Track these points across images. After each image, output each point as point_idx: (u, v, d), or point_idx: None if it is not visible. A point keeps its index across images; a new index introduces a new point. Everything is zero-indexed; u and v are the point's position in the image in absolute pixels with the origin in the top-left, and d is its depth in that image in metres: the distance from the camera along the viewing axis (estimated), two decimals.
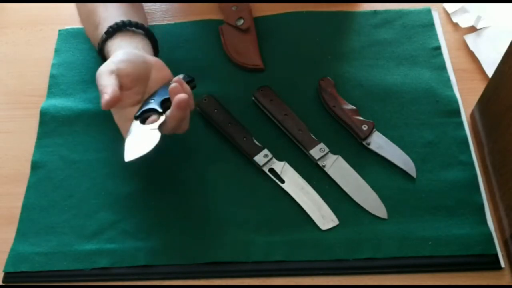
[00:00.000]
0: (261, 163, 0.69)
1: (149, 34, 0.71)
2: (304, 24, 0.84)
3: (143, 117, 0.63)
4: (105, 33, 0.68)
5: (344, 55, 0.80)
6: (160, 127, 0.62)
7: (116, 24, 0.68)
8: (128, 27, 0.69)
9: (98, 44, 0.70)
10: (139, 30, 0.70)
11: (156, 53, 0.73)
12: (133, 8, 0.75)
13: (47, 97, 0.78)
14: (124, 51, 0.65)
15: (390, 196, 0.67)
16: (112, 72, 0.62)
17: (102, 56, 0.71)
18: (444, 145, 0.71)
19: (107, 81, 0.61)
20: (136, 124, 0.63)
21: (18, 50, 0.85)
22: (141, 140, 0.61)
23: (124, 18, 0.70)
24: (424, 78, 0.77)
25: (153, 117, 0.63)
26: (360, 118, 0.72)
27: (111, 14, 0.71)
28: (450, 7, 0.84)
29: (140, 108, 0.64)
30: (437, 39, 0.80)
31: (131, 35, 0.69)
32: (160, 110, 0.63)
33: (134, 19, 0.71)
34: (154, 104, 0.63)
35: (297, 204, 0.67)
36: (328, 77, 0.76)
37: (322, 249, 0.64)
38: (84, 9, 0.76)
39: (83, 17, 0.76)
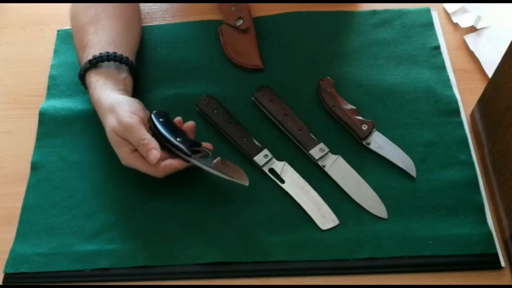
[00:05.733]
0: (261, 163, 0.69)
1: (131, 69, 0.72)
2: (303, 24, 0.84)
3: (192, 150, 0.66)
4: (89, 61, 0.69)
5: (343, 55, 0.80)
6: None
7: (100, 55, 0.69)
8: (112, 61, 0.69)
9: (81, 69, 0.70)
10: (123, 65, 0.71)
11: (135, 86, 0.74)
12: (123, 32, 0.74)
13: (46, 98, 0.78)
14: (127, 99, 0.67)
15: (390, 195, 0.67)
16: (141, 123, 0.64)
17: (82, 81, 0.72)
18: (444, 145, 0.71)
19: (145, 135, 0.64)
20: (202, 160, 0.65)
21: (18, 50, 0.85)
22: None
23: (112, 46, 0.70)
24: (423, 78, 0.77)
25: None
26: (360, 118, 0.72)
27: (99, 39, 0.71)
28: (450, 7, 0.84)
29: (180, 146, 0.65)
30: (436, 39, 0.80)
31: (114, 73, 0.69)
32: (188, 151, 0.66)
33: (122, 46, 0.72)
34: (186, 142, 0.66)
35: (297, 204, 0.67)
36: (328, 77, 0.76)
37: (322, 249, 0.64)
38: (74, 21, 0.75)
39: (73, 29, 0.76)
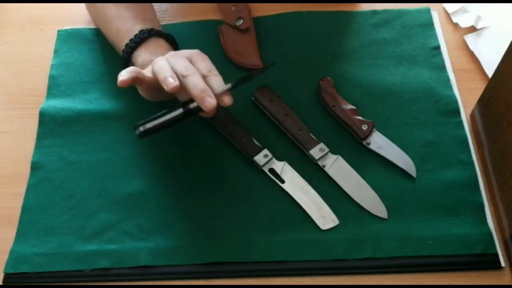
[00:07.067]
0: (261, 163, 0.69)
1: (169, 39, 0.73)
2: (303, 24, 0.84)
3: None
4: (127, 46, 0.69)
5: (343, 55, 0.80)
6: None
7: (136, 36, 0.69)
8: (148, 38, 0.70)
9: (123, 54, 0.70)
10: (160, 39, 0.71)
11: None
12: (143, 9, 0.75)
13: (46, 98, 0.78)
14: None
15: (390, 196, 0.67)
16: None
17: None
18: (444, 145, 0.71)
19: None
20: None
21: (18, 50, 0.85)
22: None
23: (141, 24, 0.71)
24: (423, 78, 0.77)
25: None
26: (360, 118, 0.72)
27: (128, 23, 0.72)
28: (450, 7, 0.84)
29: None
30: (436, 39, 0.81)
31: (154, 44, 0.70)
32: None
33: (146, 22, 0.72)
34: None
35: (297, 204, 0.67)
36: (328, 77, 0.76)
37: (322, 249, 0.64)
38: (95, 12, 0.76)
39: (98, 21, 0.78)
